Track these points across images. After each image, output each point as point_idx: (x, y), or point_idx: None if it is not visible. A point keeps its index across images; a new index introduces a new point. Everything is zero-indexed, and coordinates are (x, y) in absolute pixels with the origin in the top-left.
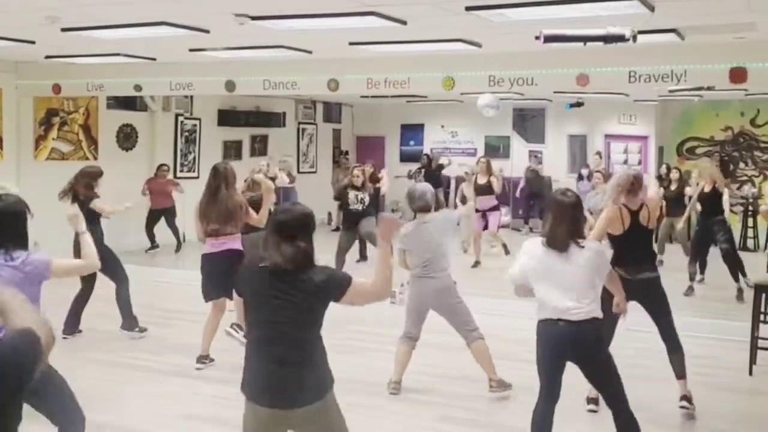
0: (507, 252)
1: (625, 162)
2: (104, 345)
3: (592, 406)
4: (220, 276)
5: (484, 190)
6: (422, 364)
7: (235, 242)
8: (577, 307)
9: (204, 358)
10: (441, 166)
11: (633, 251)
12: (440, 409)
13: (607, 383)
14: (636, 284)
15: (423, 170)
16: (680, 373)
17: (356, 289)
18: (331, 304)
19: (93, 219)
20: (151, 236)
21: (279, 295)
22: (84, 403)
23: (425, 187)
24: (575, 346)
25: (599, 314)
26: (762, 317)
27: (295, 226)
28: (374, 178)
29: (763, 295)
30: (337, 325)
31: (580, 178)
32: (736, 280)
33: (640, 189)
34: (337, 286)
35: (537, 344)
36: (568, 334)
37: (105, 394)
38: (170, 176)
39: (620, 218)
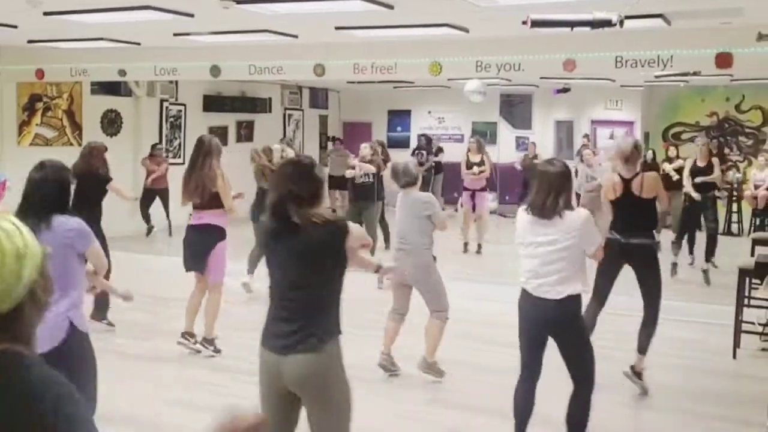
0: (479, 250)
1: None
2: (92, 332)
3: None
4: (195, 249)
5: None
6: (412, 347)
7: (214, 217)
8: (553, 283)
9: (188, 335)
10: (440, 149)
11: (624, 217)
12: (430, 392)
13: (578, 359)
14: (628, 246)
15: (424, 153)
16: (643, 348)
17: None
18: None
19: (101, 199)
20: (146, 216)
21: None
22: None
23: (407, 162)
24: (551, 321)
25: (576, 290)
26: (746, 301)
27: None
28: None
29: (747, 279)
30: None
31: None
32: (707, 261)
33: (639, 158)
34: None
35: (518, 316)
36: (544, 311)
37: None
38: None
39: (613, 186)
